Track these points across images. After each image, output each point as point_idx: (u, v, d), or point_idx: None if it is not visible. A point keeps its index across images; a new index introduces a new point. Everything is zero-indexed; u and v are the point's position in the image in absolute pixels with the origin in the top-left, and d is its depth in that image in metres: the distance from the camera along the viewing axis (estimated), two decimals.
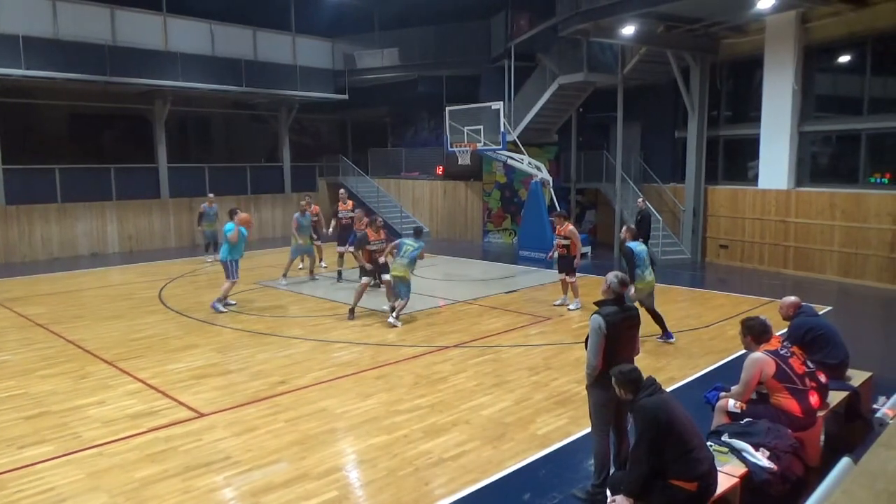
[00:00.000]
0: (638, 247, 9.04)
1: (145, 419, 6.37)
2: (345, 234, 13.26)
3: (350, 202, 14.45)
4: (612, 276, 4.85)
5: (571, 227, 11.03)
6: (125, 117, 21.09)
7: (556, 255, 11.31)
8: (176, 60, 18.65)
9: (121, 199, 18.93)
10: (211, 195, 16.47)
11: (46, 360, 8.33)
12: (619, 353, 4.62)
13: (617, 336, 4.63)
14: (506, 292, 12.51)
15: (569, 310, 10.90)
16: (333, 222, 14.07)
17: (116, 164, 19.15)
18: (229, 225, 10.88)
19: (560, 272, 11.17)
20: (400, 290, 9.98)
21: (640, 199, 15.07)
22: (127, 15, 18.20)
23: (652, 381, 4.30)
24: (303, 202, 13.79)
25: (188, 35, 19.36)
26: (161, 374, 7.73)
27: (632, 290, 8.44)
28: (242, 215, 11.15)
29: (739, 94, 16.41)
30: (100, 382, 7.49)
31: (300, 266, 14.49)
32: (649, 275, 8.92)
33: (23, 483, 5.10)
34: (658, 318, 8.92)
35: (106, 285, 13.72)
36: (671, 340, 8.89)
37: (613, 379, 4.34)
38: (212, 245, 16.16)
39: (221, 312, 10.79)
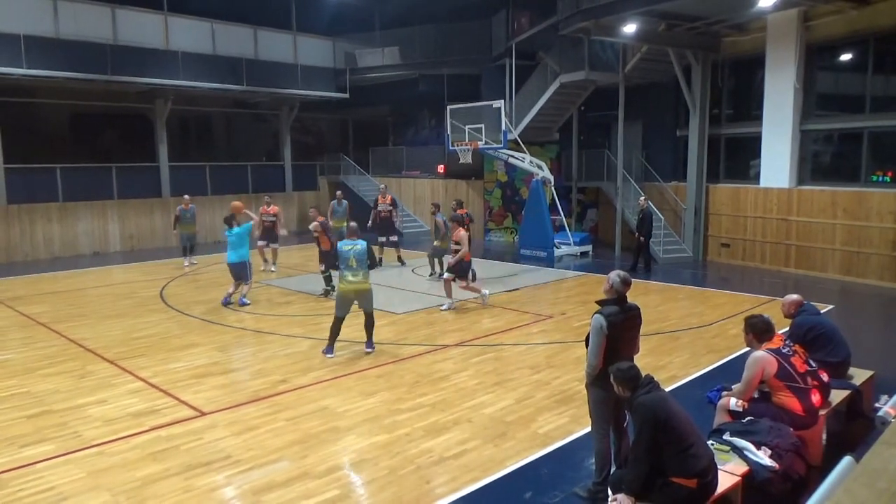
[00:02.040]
0: None
1: (146, 418, 6.38)
2: (385, 226, 14.94)
3: (389, 196, 15.44)
4: (615, 276, 4.82)
5: (463, 232, 11.10)
6: (126, 116, 21.09)
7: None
8: (177, 59, 18.64)
9: (122, 199, 18.95)
10: (186, 197, 15.80)
11: (48, 359, 8.34)
12: (620, 353, 4.61)
13: (618, 336, 4.62)
14: (507, 291, 12.50)
15: (441, 310, 10.83)
16: (372, 215, 15.09)
17: (118, 164, 19.17)
18: (238, 229, 11.09)
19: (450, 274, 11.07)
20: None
21: (642, 199, 15.05)
22: (128, 14, 18.21)
23: (650, 378, 4.30)
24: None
25: (189, 34, 19.35)
26: (162, 373, 7.74)
27: None
28: (235, 203, 11.85)
29: (741, 93, 16.38)
30: (101, 381, 7.50)
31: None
32: None
33: (23, 482, 5.10)
34: None
35: (107, 284, 13.73)
36: None
37: (612, 376, 4.35)
38: (188, 249, 15.58)
39: (247, 305, 11.22)
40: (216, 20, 19.94)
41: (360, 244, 8.31)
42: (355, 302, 8.40)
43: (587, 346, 4.72)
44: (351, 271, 8.25)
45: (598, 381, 4.62)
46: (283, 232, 14.58)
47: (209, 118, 24.46)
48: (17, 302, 11.79)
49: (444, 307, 10.95)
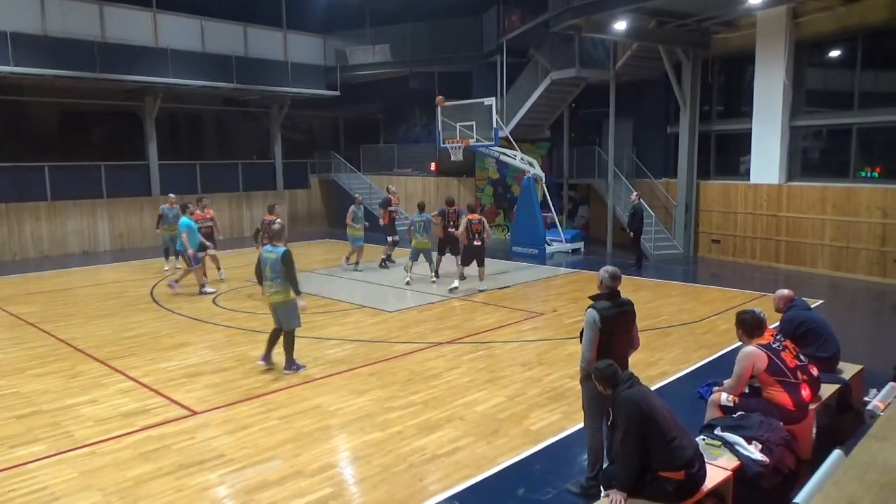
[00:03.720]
0: None
1: (138, 417, 6.35)
2: (392, 227, 15.10)
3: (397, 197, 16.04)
4: (603, 272, 4.88)
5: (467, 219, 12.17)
6: (115, 114, 20.93)
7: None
8: (166, 57, 18.51)
9: (111, 197, 18.81)
10: (172, 196, 14.89)
11: (37, 359, 8.28)
12: (614, 347, 4.65)
13: (612, 330, 4.66)
14: (499, 288, 12.52)
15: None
16: (386, 215, 15.19)
17: (107, 162, 19.02)
18: (186, 219, 11.83)
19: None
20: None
21: (634, 195, 15.09)
22: (116, 11, 18.06)
23: (630, 375, 4.35)
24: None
25: (178, 31, 19.20)
26: (153, 373, 7.70)
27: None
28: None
29: (731, 89, 16.45)
30: (92, 381, 7.45)
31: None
32: None
33: (15, 482, 5.07)
34: None
35: (97, 283, 13.63)
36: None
37: (592, 375, 4.38)
38: (172, 249, 14.44)
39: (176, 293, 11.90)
40: (206, 17, 19.81)
41: (278, 252, 7.44)
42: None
43: (581, 341, 4.75)
44: (266, 281, 7.55)
45: (591, 375, 4.65)
46: (219, 237, 13.60)
47: (199, 116, 24.32)
48: (5, 302, 11.70)
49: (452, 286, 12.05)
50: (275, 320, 7.76)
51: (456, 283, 12.09)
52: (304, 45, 22.30)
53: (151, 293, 12.35)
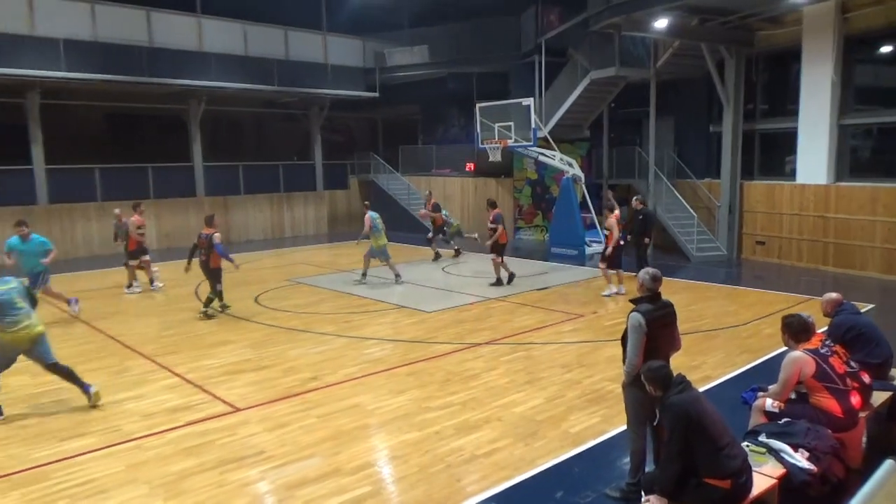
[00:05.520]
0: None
1: (182, 413, 6.50)
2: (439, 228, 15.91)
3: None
4: (644, 274, 4.83)
5: (613, 220, 11.91)
6: (161, 117, 21.52)
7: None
8: (210, 61, 18.94)
9: (158, 198, 19.32)
10: (117, 210, 13.38)
11: (87, 355, 8.55)
12: (659, 350, 4.60)
13: (656, 333, 4.61)
14: (537, 289, 12.45)
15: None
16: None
17: (153, 164, 19.54)
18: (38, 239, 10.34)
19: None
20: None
21: (636, 199, 13.56)
22: (163, 17, 18.54)
23: (682, 378, 4.26)
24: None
25: (222, 35, 19.64)
26: (197, 370, 7.87)
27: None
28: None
29: (776, 87, 16.04)
30: (138, 377, 7.66)
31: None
32: None
33: (65, 474, 5.24)
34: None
35: (144, 282, 13.98)
36: None
37: (643, 376, 4.32)
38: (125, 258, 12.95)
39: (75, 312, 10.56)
40: (248, 22, 20.21)
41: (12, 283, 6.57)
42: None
43: (623, 346, 4.70)
44: (7, 318, 6.33)
45: (637, 380, 4.58)
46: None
47: (241, 118, 24.80)
48: (57, 299, 12.07)
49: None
50: (33, 360, 6.71)
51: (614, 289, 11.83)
52: (344, 48, 22.56)
53: (196, 292, 12.62)
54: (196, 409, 6.60)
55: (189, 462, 5.43)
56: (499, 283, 12.58)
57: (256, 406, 6.68)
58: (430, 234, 16.08)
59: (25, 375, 7.70)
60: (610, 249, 11.77)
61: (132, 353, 8.62)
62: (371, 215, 12.91)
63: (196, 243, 10.74)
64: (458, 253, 16.26)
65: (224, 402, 6.80)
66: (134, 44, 17.68)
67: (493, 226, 12.43)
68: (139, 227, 12.55)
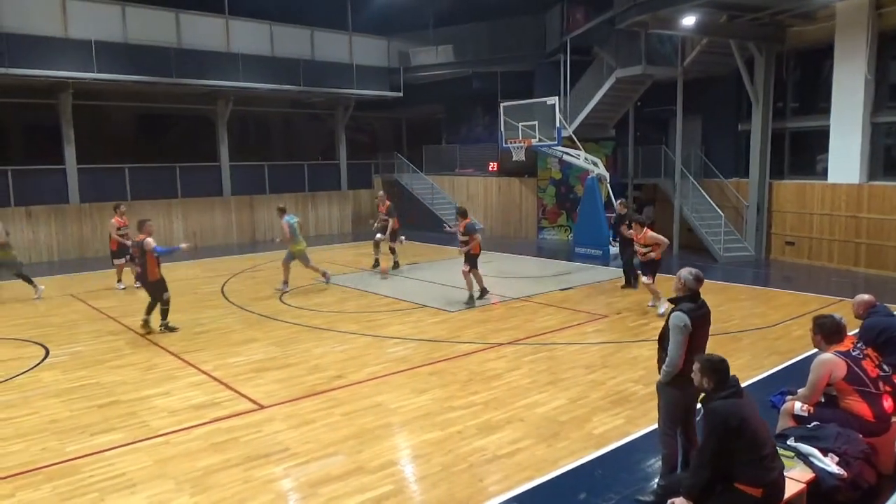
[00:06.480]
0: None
1: (208, 410, 6.59)
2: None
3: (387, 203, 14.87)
4: (686, 273, 4.75)
5: (651, 232, 10.53)
6: (189, 117, 21.84)
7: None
8: (237, 61, 19.17)
9: (186, 197, 19.62)
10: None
11: (116, 351, 8.70)
12: (695, 350, 4.56)
13: (696, 333, 4.57)
14: (561, 289, 12.38)
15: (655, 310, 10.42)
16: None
17: (181, 163, 19.84)
18: None
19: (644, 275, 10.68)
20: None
21: (619, 202, 13.30)
22: (191, 18, 18.81)
23: (735, 381, 4.16)
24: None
25: (249, 36, 19.87)
26: (223, 367, 7.97)
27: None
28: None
29: (807, 85, 15.74)
30: (166, 374, 7.78)
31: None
32: None
33: (95, 468, 5.34)
34: None
35: (171, 280, 13.98)
36: None
37: (699, 366, 4.17)
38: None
39: None
40: (275, 22, 20.41)
41: None
42: None
43: (660, 345, 4.65)
44: None
45: (675, 380, 4.53)
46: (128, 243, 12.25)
47: (267, 118, 25.06)
48: (88, 296, 12.34)
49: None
50: None
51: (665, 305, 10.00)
52: (369, 48, 22.67)
53: (222, 290, 12.78)
54: (222, 406, 6.68)
55: (215, 458, 5.50)
56: (470, 300, 11.14)
57: (281, 403, 6.74)
58: (379, 236, 14.69)
59: (57, 371, 7.89)
60: (657, 255, 10.32)
61: (160, 350, 8.75)
62: (288, 220, 12.27)
63: (130, 253, 10.09)
64: (396, 265, 14.70)
65: (249, 399, 6.88)
66: (163, 45, 17.97)
67: (464, 238, 11.06)
68: (119, 229, 12.48)
